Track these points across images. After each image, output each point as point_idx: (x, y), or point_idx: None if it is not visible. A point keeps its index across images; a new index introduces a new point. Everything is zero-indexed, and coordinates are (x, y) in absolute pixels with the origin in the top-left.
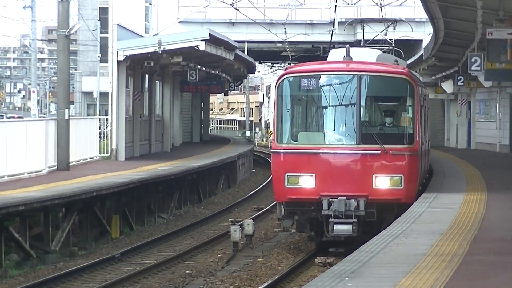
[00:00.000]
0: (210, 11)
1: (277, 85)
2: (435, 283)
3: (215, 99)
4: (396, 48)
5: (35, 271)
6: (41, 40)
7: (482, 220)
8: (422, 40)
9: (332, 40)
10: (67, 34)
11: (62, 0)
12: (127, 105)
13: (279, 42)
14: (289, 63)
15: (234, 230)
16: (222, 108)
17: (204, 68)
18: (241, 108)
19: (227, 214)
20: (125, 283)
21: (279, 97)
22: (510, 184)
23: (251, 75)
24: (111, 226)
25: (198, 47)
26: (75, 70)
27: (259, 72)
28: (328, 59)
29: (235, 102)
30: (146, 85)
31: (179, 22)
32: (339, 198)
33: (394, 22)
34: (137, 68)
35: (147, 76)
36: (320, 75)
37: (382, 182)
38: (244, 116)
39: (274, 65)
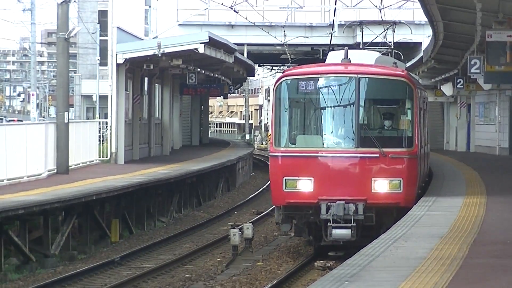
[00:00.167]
0: (209, 13)
1: (275, 87)
2: (435, 286)
3: (215, 102)
4: (396, 51)
5: (35, 275)
6: (40, 43)
7: (481, 224)
8: (421, 42)
9: (331, 43)
10: (66, 37)
11: (61, 3)
12: (127, 108)
13: (278, 44)
14: (288, 66)
15: (233, 234)
16: (221, 111)
17: (203, 71)
18: (241, 111)
19: (227, 218)
20: (125, 287)
21: (277, 99)
22: (510, 187)
23: (250, 78)
24: (111, 229)
25: (197, 50)
26: (75, 73)
27: (258, 75)
28: (327, 62)
29: (234, 105)
30: (146, 88)
31: (179, 25)
32: (337, 202)
33: (393, 24)
34: (136, 71)
35: (146, 79)
36: (319, 77)
37: (381, 186)
38: (243, 119)
39: (274, 67)
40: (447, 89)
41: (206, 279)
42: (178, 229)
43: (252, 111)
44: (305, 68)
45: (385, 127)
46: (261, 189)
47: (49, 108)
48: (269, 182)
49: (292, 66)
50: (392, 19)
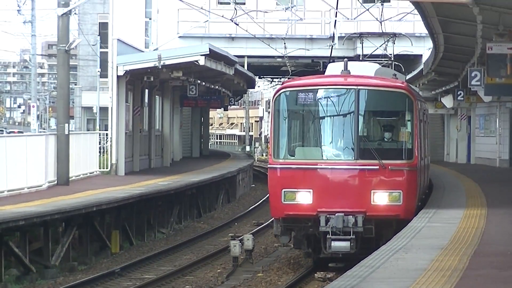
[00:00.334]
0: (210, 26)
1: (274, 99)
2: None
3: (215, 114)
4: (396, 63)
5: (35, 286)
6: (41, 55)
7: (482, 235)
8: (422, 55)
9: (332, 55)
10: (67, 49)
11: (62, 15)
12: (127, 120)
13: (279, 56)
14: (288, 78)
15: (234, 245)
16: (222, 123)
17: (204, 83)
18: (241, 123)
19: (227, 229)
20: None
21: (276, 111)
22: (510, 199)
23: (251, 89)
24: (111, 241)
25: (198, 62)
26: (75, 85)
27: (259, 86)
28: (326, 73)
29: (235, 117)
30: (146, 100)
31: (179, 37)
32: (336, 214)
33: (394, 36)
34: (137, 83)
35: (147, 91)
36: (318, 89)
37: (381, 198)
38: (244, 131)
39: (274, 79)
40: (448, 101)
41: None
42: (178, 240)
43: (252, 123)
44: (304, 79)
45: (385, 139)
46: (262, 200)
47: (49, 119)
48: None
49: (291, 78)
50: (393, 32)
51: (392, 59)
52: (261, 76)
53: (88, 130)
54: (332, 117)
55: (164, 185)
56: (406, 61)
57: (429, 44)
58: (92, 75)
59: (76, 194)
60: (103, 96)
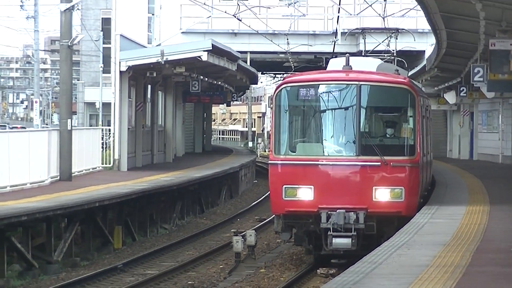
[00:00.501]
0: (212, 21)
1: (275, 94)
2: None
3: (218, 110)
4: (399, 58)
5: (37, 281)
6: (43, 50)
7: (484, 231)
8: (424, 51)
9: (334, 51)
10: (69, 44)
11: (65, 10)
12: (130, 116)
13: (281, 52)
14: (290, 74)
15: (236, 241)
16: (224, 119)
17: (206, 79)
18: (244, 119)
19: (230, 225)
20: None
21: (277, 107)
22: None
23: (253, 85)
24: (114, 236)
25: (200, 58)
26: (78, 80)
27: (261, 82)
28: (328, 69)
29: (237, 113)
30: (149, 96)
31: (182, 32)
32: (338, 210)
33: (396, 31)
34: (139, 78)
35: (149, 86)
36: (319, 84)
37: (382, 195)
38: (246, 127)
39: (277, 75)
40: (450, 97)
41: (209, 286)
42: (180, 236)
43: (255, 119)
44: (306, 75)
45: (387, 135)
46: (264, 196)
47: (52, 115)
48: None
49: (292, 73)
50: (395, 27)
51: (395, 54)
52: (264, 72)
53: (90, 125)
54: (333, 113)
55: (166, 180)
56: (408, 57)
57: (432, 40)
58: (95, 71)
59: (78, 189)
60: (105, 92)
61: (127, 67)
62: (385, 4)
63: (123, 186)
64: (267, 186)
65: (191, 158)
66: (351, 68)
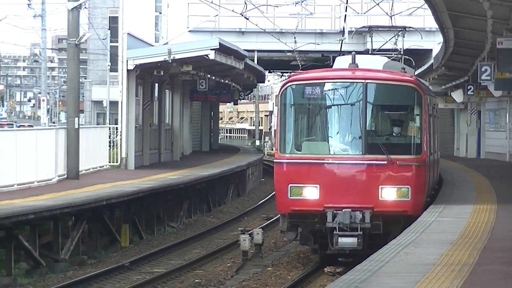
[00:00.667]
0: (220, 20)
1: (280, 93)
2: None
3: (225, 108)
4: (406, 57)
5: (45, 279)
6: (51, 49)
7: (492, 230)
8: (432, 49)
9: (342, 49)
10: (77, 43)
11: (72, 9)
12: (137, 114)
13: (289, 51)
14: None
15: (243, 239)
16: (231, 117)
17: (213, 77)
18: (251, 117)
19: (237, 223)
20: None
21: (282, 105)
22: None
23: (260, 84)
24: (121, 235)
25: (208, 56)
26: (85, 79)
27: (268, 81)
28: (334, 67)
29: (244, 111)
30: (156, 94)
31: (189, 31)
32: (344, 210)
33: (403, 29)
34: (146, 77)
35: (156, 85)
36: (325, 82)
37: (389, 194)
38: (253, 125)
39: (284, 74)
40: (458, 95)
41: (216, 284)
42: (188, 235)
43: (262, 117)
44: (311, 73)
45: (393, 134)
46: (271, 194)
47: (59, 113)
48: None
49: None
50: (402, 25)
51: (402, 53)
52: (271, 71)
53: (98, 124)
54: (339, 111)
55: (174, 179)
56: (416, 56)
57: (439, 38)
58: (102, 69)
59: (86, 188)
60: (113, 90)
61: (134, 65)
62: (393, 3)
63: (130, 184)
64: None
65: (198, 156)
66: (357, 66)
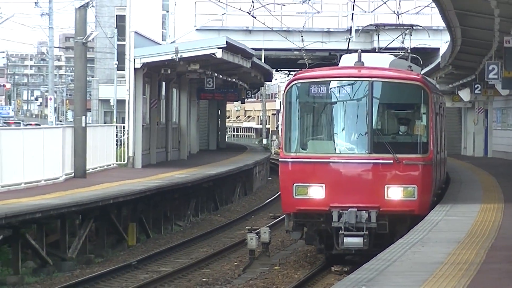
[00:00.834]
0: (227, 18)
1: (285, 91)
2: None
3: (232, 107)
4: (414, 55)
5: (52, 278)
6: (58, 47)
7: (499, 229)
8: (439, 48)
9: (349, 48)
10: (84, 41)
11: (79, 7)
12: (144, 113)
13: (296, 50)
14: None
15: (250, 238)
16: (238, 116)
17: (221, 76)
18: (258, 116)
19: (244, 222)
20: None
21: (287, 103)
22: None
23: (268, 82)
24: (128, 233)
25: (215, 55)
26: (92, 77)
27: (276, 80)
28: (340, 65)
29: (251, 110)
30: (163, 93)
31: (196, 29)
32: (349, 209)
33: (411, 27)
34: (154, 75)
35: (164, 83)
36: (330, 81)
37: (395, 193)
38: (260, 124)
39: (291, 73)
40: (465, 94)
41: (223, 283)
42: (195, 233)
43: (269, 116)
44: (317, 71)
45: (399, 133)
46: (278, 193)
47: (66, 112)
48: None
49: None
50: (410, 23)
51: (409, 51)
52: (278, 69)
53: (105, 122)
54: (345, 110)
55: (181, 177)
56: (423, 55)
57: (446, 37)
58: (109, 68)
59: (93, 186)
60: (120, 89)
61: (141, 64)
62: (400, 1)
63: (137, 183)
64: None
65: (205, 155)
66: (363, 64)
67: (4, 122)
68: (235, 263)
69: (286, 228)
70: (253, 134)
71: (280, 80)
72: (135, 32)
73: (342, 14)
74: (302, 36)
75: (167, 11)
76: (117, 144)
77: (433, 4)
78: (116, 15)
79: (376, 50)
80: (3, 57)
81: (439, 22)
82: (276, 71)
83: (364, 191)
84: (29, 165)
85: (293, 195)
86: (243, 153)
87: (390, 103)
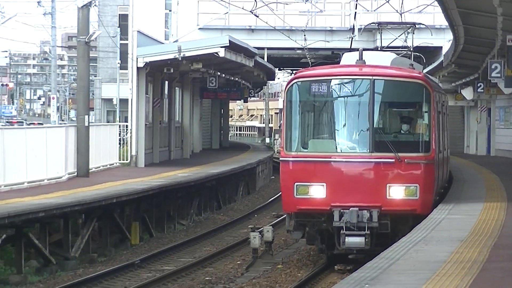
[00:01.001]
0: (229, 18)
1: (286, 89)
2: None
3: (235, 106)
4: (417, 53)
5: (55, 277)
6: (61, 46)
7: (502, 227)
8: (442, 47)
9: (352, 47)
10: (87, 40)
11: (82, 7)
12: (147, 112)
13: (298, 48)
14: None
15: (253, 237)
16: (241, 115)
17: (223, 75)
18: (261, 115)
19: (247, 221)
20: None
21: (288, 102)
22: None
23: (270, 81)
24: (131, 232)
25: (217, 54)
26: (95, 76)
27: (278, 78)
28: (341, 63)
29: (254, 109)
30: (166, 92)
31: (199, 28)
32: (351, 209)
33: (413, 26)
34: (156, 74)
35: (166, 82)
36: (331, 79)
37: (397, 192)
38: (263, 123)
39: (294, 71)
40: (468, 93)
41: (226, 282)
42: (198, 232)
43: (272, 115)
44: (318, 69)
45: (401, 131)
46: (281, 192)
47: (69, 111)
48: None
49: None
50: (412, 22)
51: (411, 50)
52: (281, 68)
53: (108, 121)
54: (346, 108)
55: (184, 176)
56: (426, 53)
57: (449, 36)
58: (112, 67)
59: (96, 185)
60: (123, 88)
61: (144, 63)
62: (402, 0)
63: (140, 182)
64: None
65: (208, 154)
66: (365, 63)
67: (7, 122)
68: (238, 262)
69: (287, 228)
70: (256, 133)
71: (283, 79)
72: (138, 31)
73: (344, 13)
74: (304, 35)
75: (170, 10)
76: (120, 143)
77: (436, 3)
78: (119, 14)
79: (379, 49)
80: (6, 56)
81: (442, 21)
82: (278, 70)
83: (365, 190)
84: (32, 165)
85: (294, 195)
86: (246, 152)
87: (391, 101)
